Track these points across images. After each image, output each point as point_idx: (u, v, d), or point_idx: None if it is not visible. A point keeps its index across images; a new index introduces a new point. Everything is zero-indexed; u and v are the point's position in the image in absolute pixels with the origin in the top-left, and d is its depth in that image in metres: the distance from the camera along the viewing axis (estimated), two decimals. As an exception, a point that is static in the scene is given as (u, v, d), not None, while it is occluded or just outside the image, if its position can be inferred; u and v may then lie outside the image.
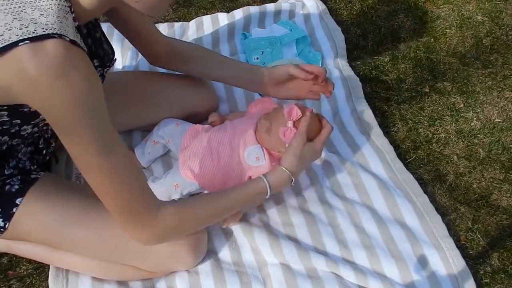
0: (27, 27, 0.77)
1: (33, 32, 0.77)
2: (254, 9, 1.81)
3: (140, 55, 1.68)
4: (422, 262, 1.19)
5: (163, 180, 1.26)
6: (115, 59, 1.14)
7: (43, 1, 0.80)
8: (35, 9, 0.79)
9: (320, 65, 1.63)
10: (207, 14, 1.86)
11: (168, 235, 1.03)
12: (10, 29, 0.77)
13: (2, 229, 1.06)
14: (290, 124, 1.18)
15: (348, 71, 1.62)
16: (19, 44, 0.76)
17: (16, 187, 1.07)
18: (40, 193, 1.07)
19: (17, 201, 1.05)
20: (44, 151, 1.17)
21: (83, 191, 0.96)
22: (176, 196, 1.24)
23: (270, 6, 1.83)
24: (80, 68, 0.80)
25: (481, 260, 1.22)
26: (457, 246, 1.21)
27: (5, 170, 1.07)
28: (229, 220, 1.23)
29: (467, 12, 1.84)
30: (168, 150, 1.37)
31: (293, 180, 1.16)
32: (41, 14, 0.79)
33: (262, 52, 1.65)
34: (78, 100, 0.80)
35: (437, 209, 1.28)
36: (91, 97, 0.82)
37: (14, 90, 0.80)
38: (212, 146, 1.23)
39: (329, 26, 1.76)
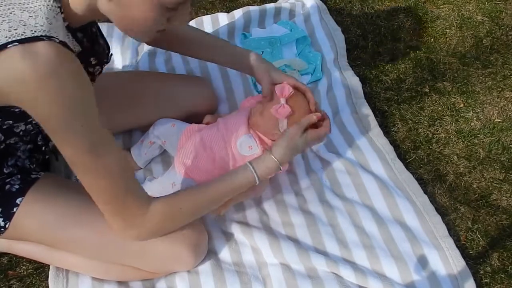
0: (16, 29, 0.77)
1: (22, 34, 0.77)
2: (254, 9, 1.81)
3: (140, 54, 1.68)
4: (422, 262, 1.19)
5: (160, 179, 1.27)
6: (111, 54, 1.14)
7: (33, 3, 0.81)
8: (24, 10, 0.79)
9: (320, 65, 1.63)
10: (207, 14, 1.86)
11: (158, 231, 1.04)
12: None
13: (2, 229, 1.06)
14: (282, 101, 1.17)
15: (348, 71, 1.62)
16: (8, 46, 0.76)
17: (17, 186, 1.07)
18: (41, 193, 1.08)
19: (18, 201, 1.06)
20: (43, 148, 1.17)
21: (83, 191, 0.97)
22: None
23: (270, 6, 1.83)
24: (70, 70, 0.81)
25: (481, 260, 1.22)
26: (457, 246, 1.21)
27: (4, 169, 1.08)
28: (220, 209, 1.21)
29: (467, 12, 1.84)
30: (164, 150, 1.37)
31: (281, 168, 1.14)
32: (30, 16, 0.79)
33: (262, 52, 1.65)
34: (68, 100, 0.81)
35: (437, 209, 1.29)
36: (80, 97, 0.83)
37: (5, 90, 0.80)
38: (206, 143, 1.24)
39: (329, 26, 1.76)
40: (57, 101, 0.80)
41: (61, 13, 0.86)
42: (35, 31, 0.78)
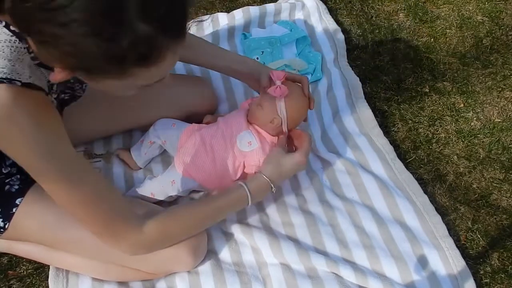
0: None
1: None
2: (254, 9, 1.81)
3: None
4: (422, 262, 1.19)
5: (160, 177, 1.28)
6: None
7: None
8: None
9: (320, 65, 1.63)
10: (207, 14, 1.86)
11: (153, 247, 1.05)
12: None
13: (2, 230, 1.06)
14: (278, 83, 1.21)
15: (348, 71, 1.62)
16: None
17: (16, 187, 1.07)
18: (40, 193, 1.06)
19: (17, 201, 1.06)
20: None
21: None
22: (173, 193, 1.25)
23: (270, 6, 1.83)
24: (30, 112, 0.80)
25: (481, 260, 1.22)
26: (457, 246, 1.21)
27: (3, 169, 1.07)
28: None
29: (467, 12, 1.84)
30: (164, 150, 1.38)
31: (273, 187, 1.17)
32: None
33: (262, 52, 1.65)
34: (29, 143, 0.81)
35: (437, 209, 1.28)
36: (43, 141, 0.82)
37: None
38: (206, 141, 1.25)
39: (329, 26, 1.76)
40: (17, 144, 0.80)
41: (29, 53, 0.84)
42: None
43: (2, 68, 0.77)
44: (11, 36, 0.81)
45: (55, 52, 0.72)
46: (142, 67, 0.75)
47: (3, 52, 0.79)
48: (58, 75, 0.76)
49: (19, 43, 0.81)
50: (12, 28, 0.81)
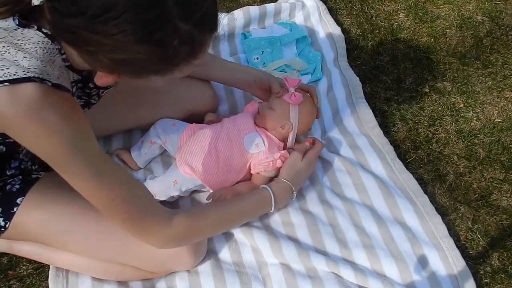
0: (8, 68, 0.77)
1: (14, 74, 0.77)
2: (254, 9, 1.81)
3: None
4: (422, 262, 1.19)
5: (162, 177, 1.27)
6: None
7: (29, 44, 0.81)
8: (19, 50, 0.79)
9: (320, 65, 1.63)
10: (207, 14, 1.85)
11: (181, 242, 1.07)
12: None
13: (2, 229, 1.06)
14: (292, 90, 1.25)
15: (348, 71, 1.62)
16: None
17: (17, 186, 1.07)
18: (41, 193, 1.08)
19: (18, 201, 1.06)
20: None
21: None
22: (175, 193, 1.25)
23: (270, 6, 1.83)
24: (58, 111, 0.81)
25: (481, 260, 1.22)
26: (457, 246, 1.21)
27: (7, 171, 1.08)
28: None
29: (467, 12, 1.84)
30: (164, 150, 1.38)
31: (294, 191, 1.22)
32: (24, 57, 0.79)
33: (262, 52, 1.65)
34: (56, 140, 0.82)
35: (437, 209, 1.29)
36: (70, 135, 0.83)
37: None
38: (209, 140, 1.26)
39: (329, 26, 1.76)
40: (43, 141, 0.81)
41: (61, 54, 0.86)
42: (27, 72, 0.78)
43: (35, 68, 0.79)
44: (44, 37, 0.82)
45: (104, 60, 0.75)
46: (189, 61, 0.80)
47: (36, 53, 0.81)
48: (103, 79, 0.81)
49: (51, 44, 0.83)
50: (44, 30, 0.82)
